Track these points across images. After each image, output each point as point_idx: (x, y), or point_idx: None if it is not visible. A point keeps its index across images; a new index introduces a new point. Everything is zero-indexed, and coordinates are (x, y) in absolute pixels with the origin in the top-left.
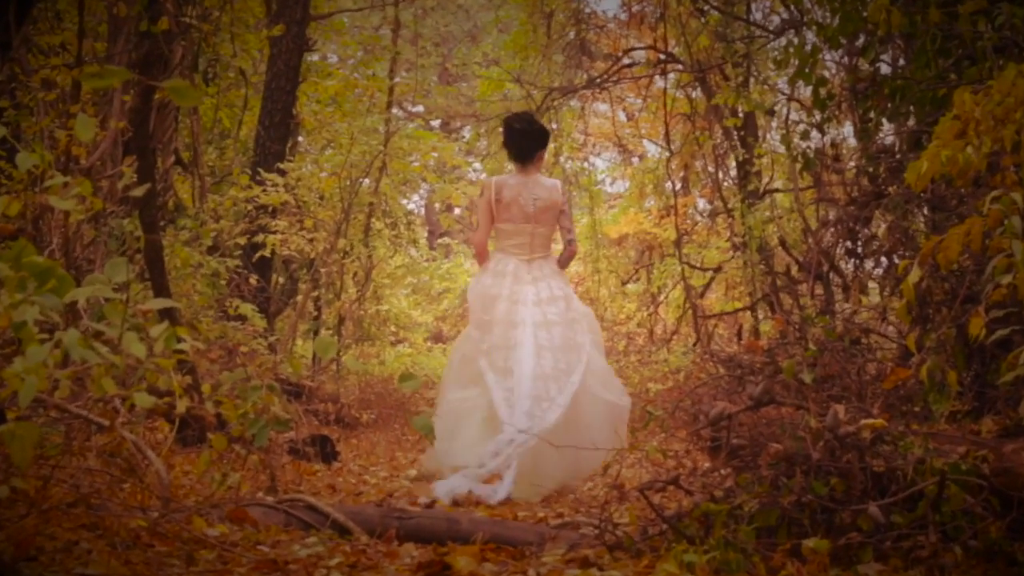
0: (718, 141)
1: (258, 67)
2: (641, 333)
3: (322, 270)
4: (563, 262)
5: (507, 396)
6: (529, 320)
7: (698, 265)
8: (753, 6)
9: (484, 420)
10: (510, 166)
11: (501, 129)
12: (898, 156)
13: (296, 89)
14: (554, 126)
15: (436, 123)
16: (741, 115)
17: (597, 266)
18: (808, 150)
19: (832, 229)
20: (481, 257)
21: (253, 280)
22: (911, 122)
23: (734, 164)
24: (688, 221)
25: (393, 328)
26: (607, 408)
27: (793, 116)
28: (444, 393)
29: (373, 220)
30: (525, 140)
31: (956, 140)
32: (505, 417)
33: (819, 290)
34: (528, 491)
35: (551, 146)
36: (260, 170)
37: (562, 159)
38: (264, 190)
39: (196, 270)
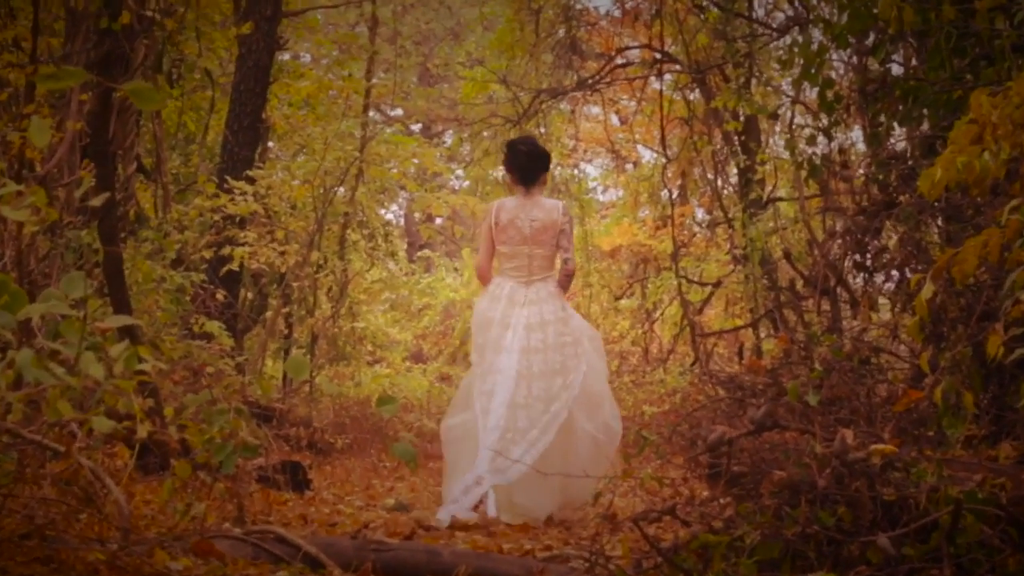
0: (718, 147)
1: (226, 67)
2: (635, 352)
3: (294, 285)
4: (562, 283)
5: (484, 424)
6: (516, 346)
7: (696, 279)
8: (755, 2)
9: (474, 448)
10: (497, 173)
11: (504, 152)
12: (910, 163)
13: (266, 91)
14: (542, 130)
15: (416, 127)
16: (742, 119)
17: (588, 280)
18: (814, 156)
19: (840, 241)
20: (482, 280)
21: (220, 296)
22: (924, 126)
23: (735, 171)
24: (685, 232)
25: (370, 347)
26: (590, 441)
27: (798, 120)
28: (444, 419)
29: (348, 231)
30: (531, 162)
31: (972, 146)
32: (480, 446)
33: (826, 306)
34: (513, 516)
35: None
36: (228, 178)
37: (551, 166)
38: (232, 199)
39: (159, 285)
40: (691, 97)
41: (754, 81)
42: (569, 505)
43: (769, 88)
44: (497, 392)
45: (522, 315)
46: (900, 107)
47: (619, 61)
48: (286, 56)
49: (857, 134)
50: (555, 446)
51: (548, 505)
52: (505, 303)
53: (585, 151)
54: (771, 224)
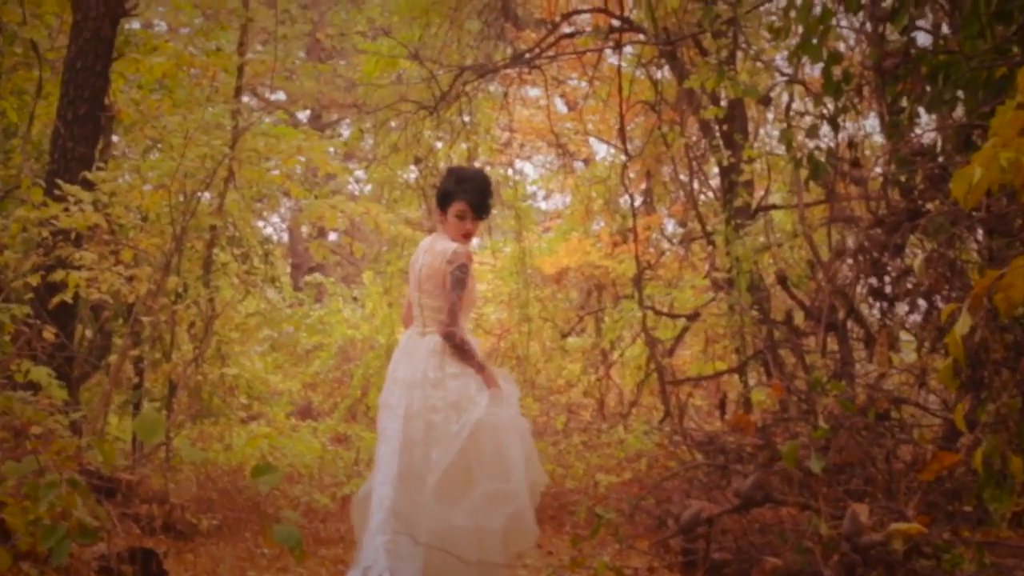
0: (693, 139)
1: (56, 39)
2: (587, 405)
3: (145, 320)
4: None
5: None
6: (401, 406)
7: (666, 311)
8: None
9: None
10: (409, 175)
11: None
12: (940, 160)
13: (109, 69)
14: (466, 119)
15: (303, 115)
16: (724, 103)
17: (526, 312)
18: (817, 152)
19: (851, 260)
20: (404, 325)
21: (49, 334)
22: (958, 112)
23: (715, 171)
24: (652, 250)
25: (244, 400)
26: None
27: (796, 105)
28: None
29: (216, 250)
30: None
31: (1021, 137)
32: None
33: (833, 345)
34: None
35: (462, 148)
36: (59, 182)
37: (477, 164)
38: (65, 209)
39: None
40: (658, 76)
41: (739, 55)
42: None
43: (759, 64)
44: (381, 463)
45: (408, 370)
46: (927, 88)
47: (565, 30)
48: (135, 24)
49: (873, 123)
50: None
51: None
52: (400, 354)
53: (522, 145)
54: (762, 239)
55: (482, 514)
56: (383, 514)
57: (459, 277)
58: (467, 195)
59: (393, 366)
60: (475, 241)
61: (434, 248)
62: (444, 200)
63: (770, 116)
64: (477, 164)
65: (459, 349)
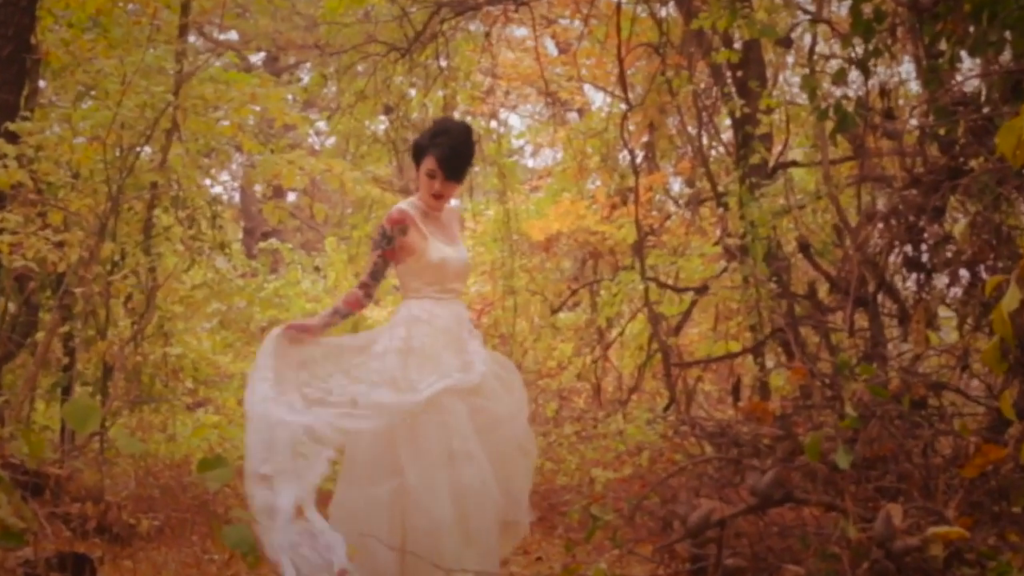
0: (702, 87)
1: None
2: (582, 390)
3: (76, 292)
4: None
5: None
6: None
7: (671, 283)
8: None
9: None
10: (378, 126)
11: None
12: (986, 111)
13: (35, 5)
14: (443, 63)
15: (258, 58)
16: (739, 45)
17: (511, 284)
18: (844, 101)
19: (882, 225)
20: None
21: None
22: (1005, 56)
23: (728, 123)
24: (655, 213)
25: (189, 383)
26: None
27: (821, 47)
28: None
29: (157, 212)
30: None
31: None
32: None
33: (862, 322)
34: None
35: (438, 96)
36: None
37: (456, 115)
38: None
39: None
40: (663, 14)
41: None
42: None
43: (778, 0)
44: None
45: None
46: (970, 28)
47: None
48: None
49: (908, 68)
50: None
51: None
52: None
53: (507, 93)
54: (781, 201)
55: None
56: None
57: (374, 239)
58: (438, 150)
59: None
60: (453, 202)
61: None
62: (416, 154)
63: (790, 60)
64: (456, 115)
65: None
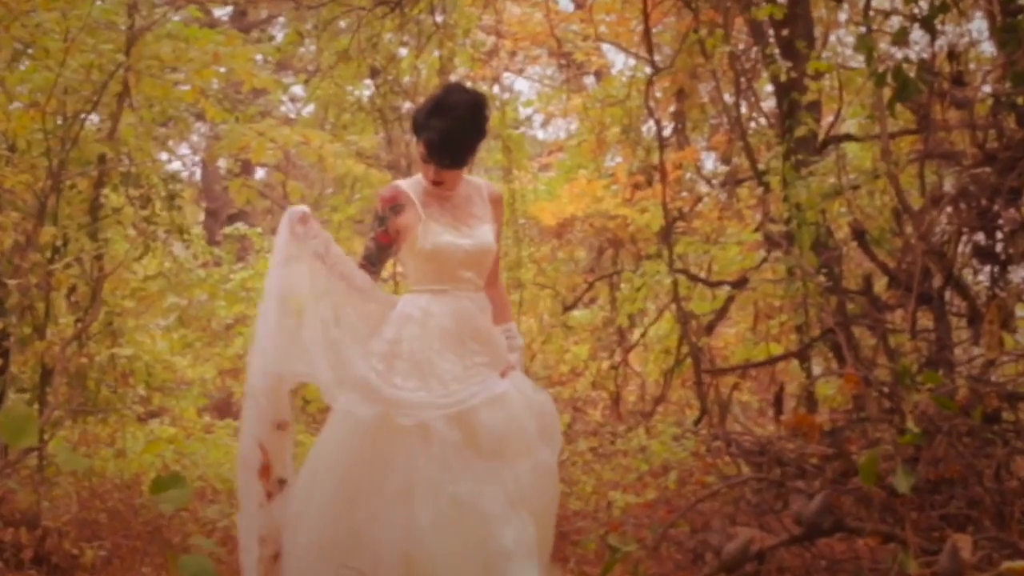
0: (740, 48)
1: None
2: (599, 399)
3: (11, 283)
4: None
5: None
6: None
7: (703, 276)
8: None
9: None
10: (363, 92)
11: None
12: None
13: None
14: (438, 18)
15: (223, 12)
16: (783, 0)
17: (518, 276)
18: (906, 64)
19: (950, 210)
20: None
21: None
22: None
23: (770, 89)
24: (685, 195)
25: (141, 390)
26: None
27: (879, 2)
28: None
29: (106, 191)
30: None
31: None
32: None
33: (926, 322)
34: None
35: (433, 57)
36: None
37: (455, 79)
38: None
39: None
40: None
41: None
42: None
43: None
44: None
45: None
46: None
47: None
48: None
49: (979, 25)
50: None
51: None
52: None
53: (513, 54)
54: (831, 180)
55: None
56: None
57: (372, 222)
58: (428, 134)
59: None
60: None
61: None
62: (414, 130)
63: (843, 16)
64: (453, 78)
65: None
